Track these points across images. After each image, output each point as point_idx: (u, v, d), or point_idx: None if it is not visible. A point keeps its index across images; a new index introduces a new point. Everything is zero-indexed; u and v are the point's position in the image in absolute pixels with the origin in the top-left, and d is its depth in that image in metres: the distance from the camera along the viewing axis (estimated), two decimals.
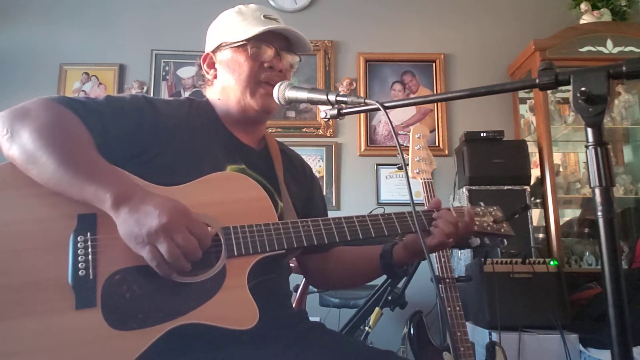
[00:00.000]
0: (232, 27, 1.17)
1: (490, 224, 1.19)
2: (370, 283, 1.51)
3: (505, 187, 2.72)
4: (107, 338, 0.82)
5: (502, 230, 1.20)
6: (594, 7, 3.17)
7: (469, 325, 2.28)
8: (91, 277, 0.85)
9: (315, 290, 2.39)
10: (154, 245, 0.84)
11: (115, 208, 0.86)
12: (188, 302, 0.88)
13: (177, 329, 0.86)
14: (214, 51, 1.19)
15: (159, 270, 0.86)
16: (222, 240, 0.94)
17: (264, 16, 1.17)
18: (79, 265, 0.85)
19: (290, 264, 1.30)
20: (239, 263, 0.94)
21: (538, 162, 2.95)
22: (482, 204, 1.24)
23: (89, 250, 0.86)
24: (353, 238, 1.05)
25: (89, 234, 0.88)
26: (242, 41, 1.13)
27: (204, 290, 0.90)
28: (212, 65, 1.20)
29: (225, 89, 1.17)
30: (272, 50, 1.14)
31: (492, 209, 1.23)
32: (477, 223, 1.18)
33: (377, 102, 0.92)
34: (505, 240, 1.23)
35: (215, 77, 1.20)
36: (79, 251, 0.86)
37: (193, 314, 0.87)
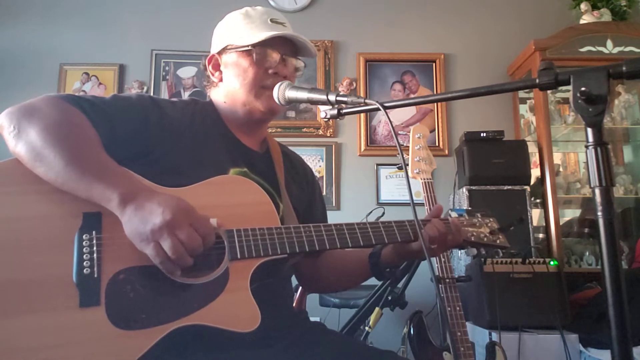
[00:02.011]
0: (239, 30, 1.16)
1: (487, 235, 1.21)
2: (370, 283, 1.51)
3: (505, 187, 2.72)
4: (110, 337, 0.82)
5: (498, 241, 1.22)
6: (594, 7, 3.16)
7: (469, 325, 2.27)
8: (95, 275, 0.85)
9: None
10: (157, 242, 0.84)
11: (121, 207, 0.86)
12: (191, 304, 0.88)
13: (180, 329, 0.86)
14: (220, 53, 1.19)
15: (162, 268, 0.86)
16: (225, 243, 0.95)
17: (271, 20, 1.16)
18: (84, 263, 0.85)
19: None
20: (242, 266, 0.94)
21: (538, 162, 2.94)
22: (479, 215, 1.25)
23: (94, 248, 0.87)
24: (354, 245, 1.05)
25: (94, 232, 0.88)
26: (247, 46, 1.13)
27: (206, 292, 0.90)
28: (217, 67, 1.20)
29: (231, 92, 1.17)
30: (278, 55, 1.14)
31: (488, 220, 1.25)
32: (474, 234, 1.19)
33: (377, 102, 0.92)
34: (500, 252, 1.26)
35: (220, 79, 1.20)
36: (83, 249, 0.86)
37: (195, 316, 0.88)
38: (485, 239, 1.20)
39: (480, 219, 1.24)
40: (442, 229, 1.09)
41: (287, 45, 1.17)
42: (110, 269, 0.87)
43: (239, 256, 0.94)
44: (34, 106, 0.93)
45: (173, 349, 0.88)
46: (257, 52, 1.12)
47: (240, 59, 1.15)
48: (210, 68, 1.21)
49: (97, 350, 0.81)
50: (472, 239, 1.18)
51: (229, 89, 1.17)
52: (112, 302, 0.84)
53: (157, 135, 1.04)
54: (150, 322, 0.85)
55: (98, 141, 0.94)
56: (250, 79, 1.13)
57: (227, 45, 1.17)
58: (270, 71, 1.14)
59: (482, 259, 2.38)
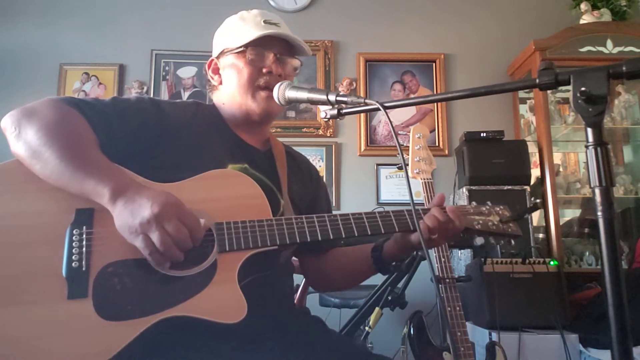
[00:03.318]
0: (233, 33, 1.19)
1: (496, 223, 1.17)
2: (370, 283, 1.51)
3: (505, 187, 2.72)
4: (96, 327, 0.84)
5: (510, 230, 1.17)
6: (594, 7, 3.16)
7: (469, 325, 2.27)
8: (84, 268, 0.88)
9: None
10: (146, 234, 0.86)
11: (112, 201, 0.89)
12: (177, 296, 0.89)
13: (165, 321, 0.87)
14: (218, 57, 1.22)
15: (152, 260, 0.88)
16: (214, 235, 0.95)
17: (264, 21, 1.18)
18: (73, 257, 0.88)
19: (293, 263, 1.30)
20: (230, 258, 0.95)
21: (538, 162, 2.94)
22: (489, 203, 1.22)
23: (84, 243, 0.90)
24: (348, 235, 1.04)
25: (84, 227, 0.91)
26: (240, 47, 1.15)
27: (193, 284, 0.91)
28: (216, 70, 1.24)
29: (230, 93, 1.19)
30: (271, 55, 1.16)
31: (499, 208, 1.21)
32: (481, 222, 1.16)
33: (377, 102, 0.92)
34: (512, 241, 1.20)
35: (220, 82, 1.23)
36: (73, 244, 0.89)
37: (181, 307, 0.89)
38: (493, 228, 1.15)
39: (489, 207, 1.20)
40: (441, 218, 1.07)
41: (282, 45, 1.18)
42: (99, 262, 0.89)
43: (227, 248, 0.95)
44: (33, 108, 0.97)
45: (160, 342, 0.89)
46: (250, 52, 1.15)
47: (236, 60, 1.17)
48: (210, 72, 1.25)
49: (82, 340, 0.84)
50: (479, 228, 1.14)
51: (228, 91, 1.20)
52: (99, 294, 0.87)
53: (156, 135, 1.06)
54: (136, 313, 0.86)
55: (93, 140, 0.98)
56: (245, 79, 1.15)
57: (224, 49, 1.20)
58: (264, 70, 1.15)
59: (482, 259, 2.38)
